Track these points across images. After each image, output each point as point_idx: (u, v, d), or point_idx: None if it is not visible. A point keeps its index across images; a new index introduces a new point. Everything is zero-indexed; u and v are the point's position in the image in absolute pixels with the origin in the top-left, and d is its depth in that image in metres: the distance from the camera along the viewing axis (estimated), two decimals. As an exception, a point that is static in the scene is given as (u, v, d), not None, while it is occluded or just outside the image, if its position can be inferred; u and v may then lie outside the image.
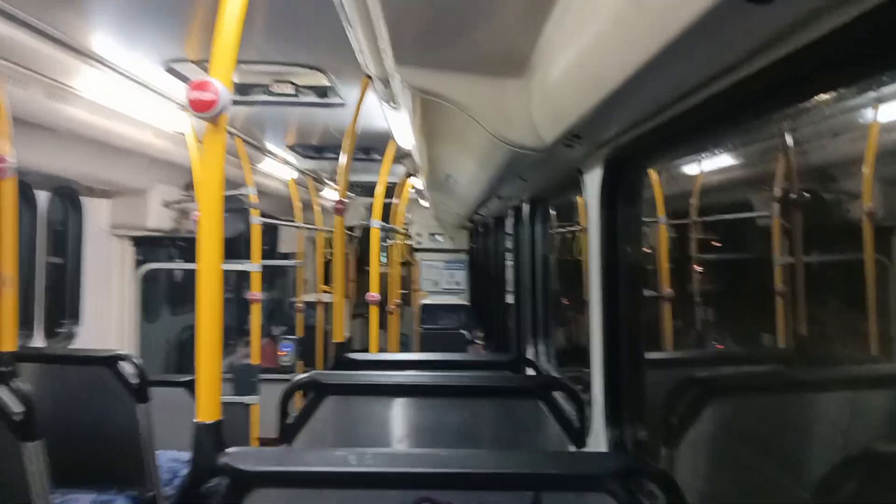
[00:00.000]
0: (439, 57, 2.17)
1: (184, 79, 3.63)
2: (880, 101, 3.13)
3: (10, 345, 2.45)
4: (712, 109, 1.48)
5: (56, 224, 4.86)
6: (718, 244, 6.24)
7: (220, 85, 1.51)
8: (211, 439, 1.43)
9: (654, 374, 2.32)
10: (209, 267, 1.51)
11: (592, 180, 2.32)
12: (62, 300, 4.85)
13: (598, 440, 2.21)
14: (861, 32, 0.97)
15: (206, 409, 1.45)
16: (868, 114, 3.26)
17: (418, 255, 10.84)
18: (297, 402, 2.46)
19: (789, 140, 3.66)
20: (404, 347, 9.15)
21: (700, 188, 5.49)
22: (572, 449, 2.30)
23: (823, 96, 1.44)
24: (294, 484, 1.33)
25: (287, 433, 2.22)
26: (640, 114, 1.75)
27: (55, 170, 4.16)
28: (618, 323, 2.17)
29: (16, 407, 2.34)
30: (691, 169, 5.53)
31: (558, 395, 2.48)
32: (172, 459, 3.78)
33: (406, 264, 10.50)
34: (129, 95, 3.77)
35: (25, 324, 4.33)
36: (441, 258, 10.92)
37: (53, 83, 3.19)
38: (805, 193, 3.71)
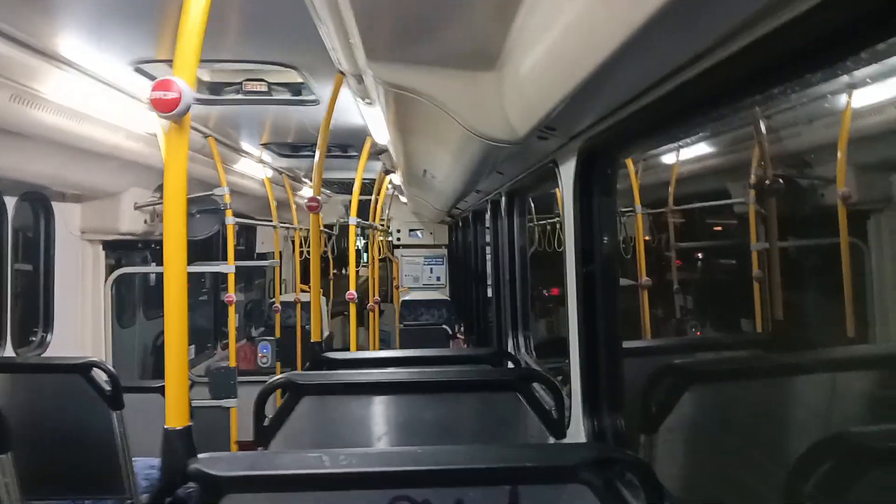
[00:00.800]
0: (411, 52, 2.16)
1: (153, 78, 3.57)
2: (853, 86, 3.17)
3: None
4: (683, 97, 1.48)
5: (25, 230, 4.77)
6: (694, 232, 6.30)
7: (183, 84, 1.48)
8: (182, 445, 1.40)
9: (633, 362, 2.33)
10: (175, 269, 1.48)
11: (567, 172, 2.32)
12: (33, 307, 4.76)
13: (577, 431, 2.21)
14: (828, 18, 0.97)
15: (176, 414, 1.42)
16: (842, 100, 3.30)
17: (398, 252, 10.82)
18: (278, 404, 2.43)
19: (763, 127, 3.69)
20: (385, 344, 9.14)
21: (677, 177, 5.53)
22: (552, 440, 2.30)
23: (795, 82, 1.44)
24: (267, 488, 1.31)
25: (263, 436, 2.19)
26: (611, 104, 1.74)
27: (24, 175, 4.08)
28: (595, 313, 2.17)
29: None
30: (668, 158, 5.57)
31: (538, 387, 2.48)
32: (150, 466, 3.73)
33: (385, 261, 10.47)
34: (99, 97, 3.71)
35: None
36: (421, 254, 10.91)
37: (19, 86, 3.12)
38: (780, 180, 3.74)
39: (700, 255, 6.53)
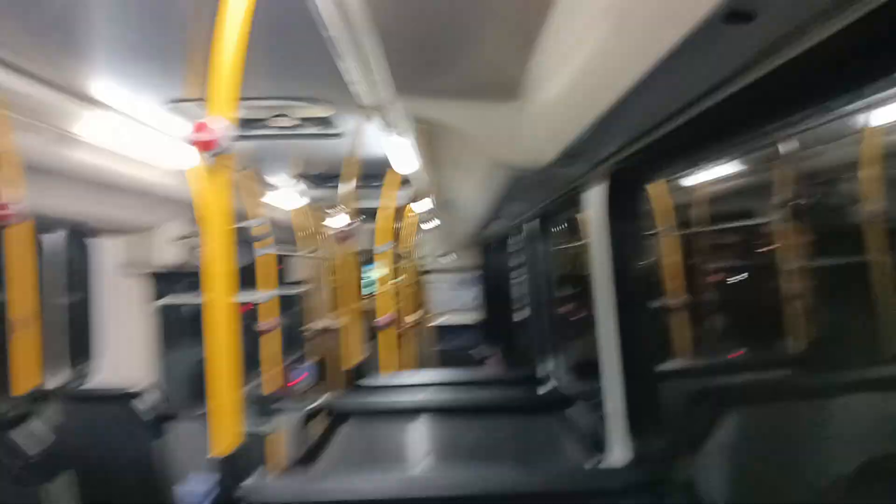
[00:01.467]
0: (434, 84, 2.21)
1: (187, 116, 3.69)
2: (884, 101, 3.15)
3: (33, 383, 2.47)
4: (706, 123, 1.50)
5: (72, 263, 4.94)
6: (724, 253, 6.23)
7: (221, 124, 1.54)
8: (229, 471, 1.44)
9: (670, 384, 2.32)
10: (221, 299, 1.54)
11: (594, 197, 2.34)
12: (81, 338, 4.90)
13: (615, 453, 2.21)
14: (845, 44, 0.99)
15: (224, 440, 1.47)
16: (862, 119, 3.29)
17: (428, 276, 10.85)
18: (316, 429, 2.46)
19: (789, 147, 3.68)
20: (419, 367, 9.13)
21: (706, 198, 5.51)
22: (591, 463, 2.29)
23: (822, 105, 1.46)
24: (315, 512, 1.35)
25: (304, 460, 2.23)
26: (636, 130, 1.77)
27: (67, 212, 4.22)
28: (629, 335, 2.18)
29: (31, 448, 2.36)
30: (695, 179, 5.56)
31: (575, 410, 2.48)
32: (193, 493, 3.77)
33: (415, 286, 10.50)
34: (134, 136, 3.83)
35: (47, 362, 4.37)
36: (450, 278, 10.92)
37: (59, 130, 3.26)
38: (807, 198, 3.72)
39: (734, 275, 6.46)
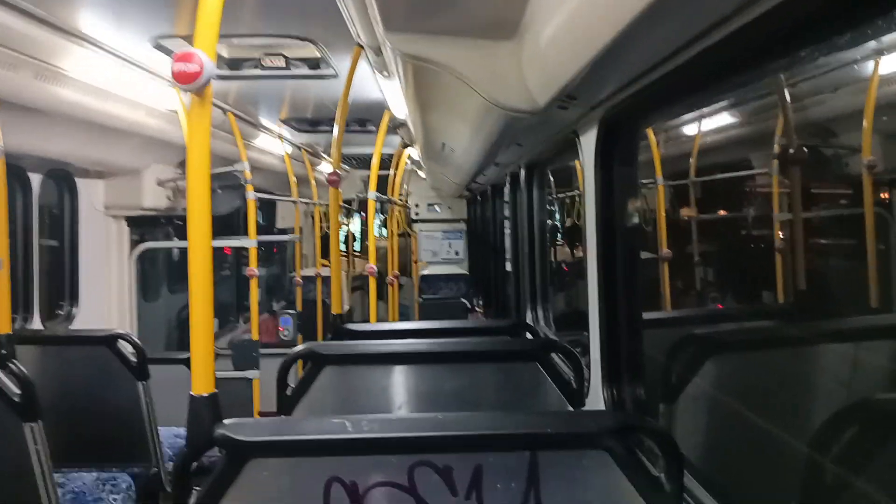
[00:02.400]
0: (429, 22, 2.14)
1: (172, 54, 3.59)
2: (880, 52, 3.09)
3: (5, 327, 2.44)
4: (706, 64, 1.46)
5: (51, 206, 4.84)
6: (716, 204, 6.23)
7: (204, 56, 1.48)
8: (207, 412, 1.43)
9: (653, 333, 2.32)
10: (199, 243, 1.50)
11: (588, 142, 2.30)
12: (60, 282, 4.85)
13: (596, 400, 2.22)
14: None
15: (202, 381, 1.45)
16: (868, 67, 3.23)
17: (416, 226, 10.83)
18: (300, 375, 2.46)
19: (787, 96, 3.63)
20: (404, 318, 9.19)
21: (699, 148, 5.46)
22: (571, 410, 2.31)
23: (820, 46, 1.41)
24: (291, 453, 1.34)
25: (286, 405, 2.23)
26: (633, 72, 1.72)
27: (48, 152, 4.13)
28: (615, 284, 2.17)
29: (14, 388, 2.35)
30: (690, 129, 5.50)
31: (557, 358, 2.48)
32: (175, 435, 3.81)
33: (404, 235, 10.49)
34: (119, 74, 3.73)
35: (24, 307, 4.34)
36: (439, 228, 10.90)
37: (41, 64, 3.15)
38: (804, 149, 3.68)
39: (722, 226, 6.47)
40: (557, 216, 8.37)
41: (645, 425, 1.37)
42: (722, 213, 6.36)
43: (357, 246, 12.69)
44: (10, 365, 2.36)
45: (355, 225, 12.93)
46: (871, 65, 3.15)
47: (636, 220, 2.27)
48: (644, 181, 4.88)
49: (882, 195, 3.37)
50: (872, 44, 2.81)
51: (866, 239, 3.23)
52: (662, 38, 1.41)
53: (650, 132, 4.48)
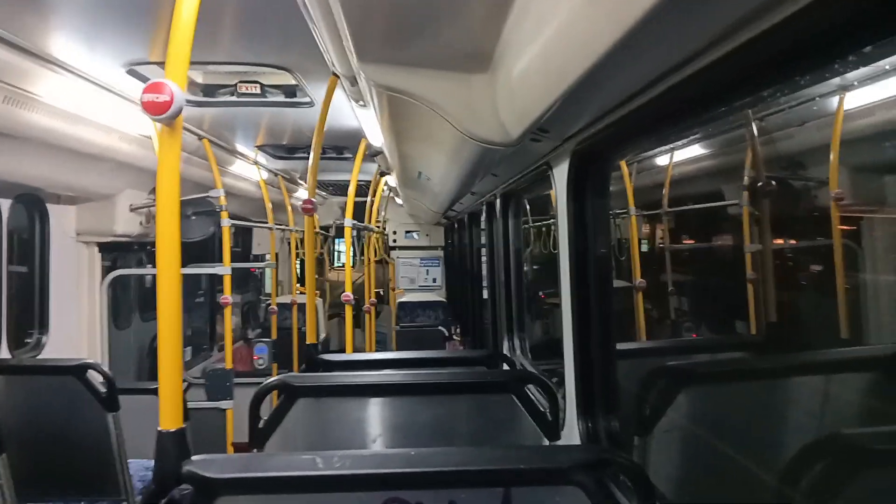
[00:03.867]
0: (403, 53, 2.16)
1: (146, 80, 3.57)
2: (845, 88, 3.18)
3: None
4: (676, 99, 1.48)
5: (20, 231, 4.76)
6: (690, 234, 6.30)
7: (174, 86, 1.48)
8: (175, 447, 1.40)
9: (628, 364, 2.33)
10: (168, 271, 1.48)
11: (561, 174, 2.32)
12: (29, 310, 4.75)
13: (571, 433, 2.21)
14: (819, 19, 0.97)
15: (169, 416, 1.42)
16: (834, 102, 3.31)
17: (394, 253, 10.81)
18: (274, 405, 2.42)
19: (755, 129, 3.70)
20: (381, 346, 9.14)
21: (671, 179, 5.54)
22: (546, 442, 2.30)
23: (787, 83, 1.44)
24: (261, 490, 1.31)
25: (258, 438, 2.19)
26: (604, 106, 1.75)
27: (18, 177, 4.07)
28: (589, 315, 2.18)
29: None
30: (662, 161, 5.59)
31: (533, 389, 2.48)
32: (145, 468, 3.72)
33: (382, 262, 10.47)
34: (92, 99, 3.70)
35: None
36: (417, 255, 10.91)
37: (12, 89, 3.12)
38: (773, 181, 3.75)
39: (694, 257, 6.55)
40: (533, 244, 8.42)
41: (617, 459, 1.37)
42: (692, 242, 6.45)
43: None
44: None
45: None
46: (836, 100, 3.24)
47: (609, 250, 2.28)
48: (618, 211, 4.94)
49: (849, 227, 3.44)
50: (837, 80, 2.89)
51: (835, 270, 3.29)
52: (632, 74, 1.44)
53: (623, 164, 4.54)
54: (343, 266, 11.13)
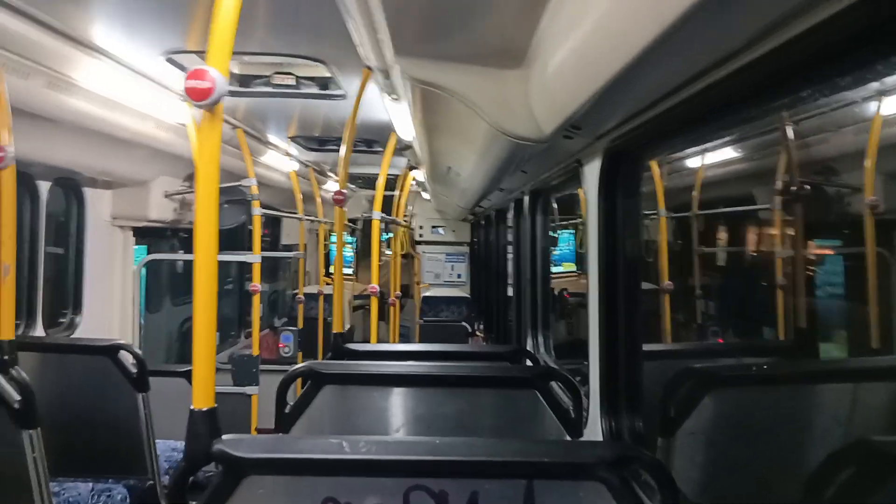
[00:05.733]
0: (438, 48, 2.17)
1: (184, 69, 3.63)
2: (883, 93, 3.13)
3: (8, 333, 2.45)
4: (710, 99, 1.48)
5: (58, 215, 4.87)
6: (720, 237, 6.23)
7: (216, 73, 1.50)
8: (206, 426, 1.43)
9: (653, 365, 2.32)
10: (205, 257, 1.51)
11: (592, 172, 2.32)
12: (64, 290, 4.86)
13: (594, 430, 2.21)
14: (859, 20, 0.96)
15: (202, 396, 1.45)
16: (871, 106, 3.26)
17: (420, 248, 10.84)
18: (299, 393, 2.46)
19: (790, 133, 3.65)
20: (405, 339, 9.17)
21: (702, 182, 5.48)
22: (569, 439, 2.30)
23: (824, 86, 1.43)
24: (287, 471, 1.34)
25: (284, 422, 2.23)
26: (638, 104, 1.74)
27: (57, 161, 4.16)
28: (616, 313, 2.17)
29: (15, 395, 2.35)
30: (693, 163, 5.53)
31: (556, 386, 2.48)
32: (172, 449, 3.79)
33: (408, 256, 10.51)
34: (130, 86, 3.77)
35: (28, 314, 4.34)
36: (443, 250, 10.93)
37: (54, 74, 3.19)
38: (806, 186, 3.70)
39: (723, 261, 6.48)
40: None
41: (641, 457, 1.37)
42: (721, 246, 6.37)
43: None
44: (12, 371, 2.37)
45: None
46: (873, 105, 3.18)
47: (638, 250, 2.28)
48: (647, 213, 4.90)
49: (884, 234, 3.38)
50: (875, 85, 2.84)
51: (868, 278, 3.24)
52: (667, 73, 1.43)
53: (654, 164, 4.51)
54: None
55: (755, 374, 2.34)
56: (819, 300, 3.97)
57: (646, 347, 2.27)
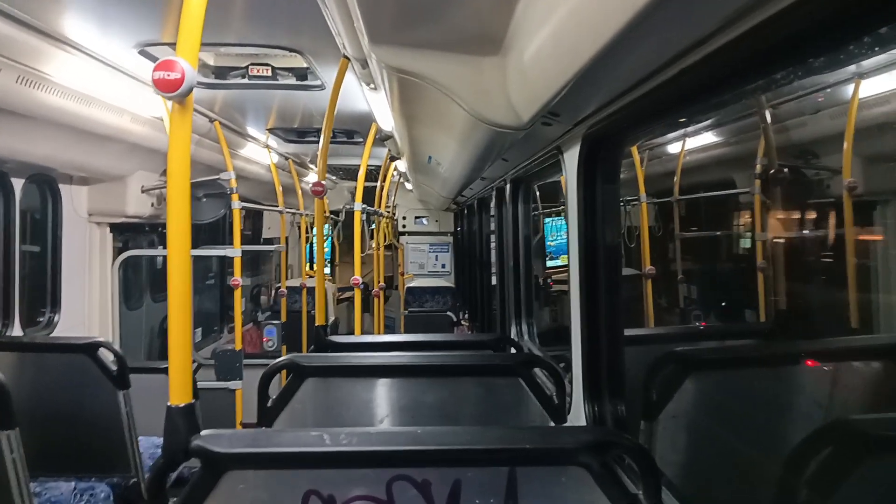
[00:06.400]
0: (414, 36, 2.15)
1: (157, 61, 3.58)
2: (860, 76, 3.15)
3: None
4: (687, 83, 1.47)
5: (33, 211, 4.80)
6: (699, 222, 6.27)
7: (185, 64, 1.48)
8: (184, 422, 1.42)
9: (635, 350, 2.33)
10: (179, 251, 1.49)
11: (571, 158, 2.31)
12: (41, 289, 4.80)
13: (577, 416, 2.22)
14: (834, 2, 0.96)
15: (179, 392, 1.44)
16: (848, 90, 3.28)
17: (403, 238, 10.82)
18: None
19: (768, 118, 3.68)
20: (390, 330, 9.16)
21: (683, 167, 5.51)
22: (553, 425, 2.31)
23: (800, 67, 1.43)
24: (268, 465, 1.33)
25: (266, 416, 2.21)
26: (615, 89, 1.74)
27: (31, 157, 4.09)
28: (597, 299, 2.18)
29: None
30: (674, 148, 5.56)
31: (540, 373, 2.48)
32: (155, 445, 3.77)
33: (391, 247, 10.48)
34: (104, 80, 3.71)
35: (5, 313, 4.29)
36: (426, 241, 10.91)
37: (25, 68, 3.13)
38: (785, 170, 3.73)
39: (704, 245, 6.52)
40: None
41: (623, 441, 1.37)
42: (702, 230, 6.41)
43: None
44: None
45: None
46: (850, 88, 3.21)
47: (618, 235, 2.28)
48: (628, 198, 4.92)
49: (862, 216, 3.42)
50: (852, 68, 2.86)
51: (846, 259, 3.27)
52: (644, 57, 1.43)
53: (634, 150, 4.52)
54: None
55: (735, 356, 2.36)
56: (798, 283, 4.01)
57: (628, 332, 2.28)
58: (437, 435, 1.39)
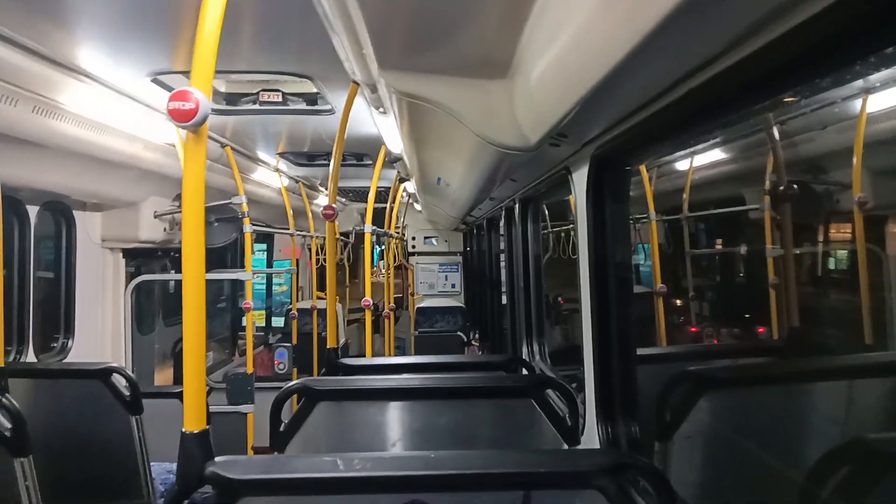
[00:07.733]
0: (423, 61, 2.17)
1: (170, 89, 3.63)
2: (868, 91, 3.15)
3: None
4: (695, 102, 1.48)
5: (47, 238, 4.85)
6: (711, 239, 6.25)
7: (200, 94, 1.50)
8: (198, 449, 1.42)
9: (648, 369, 2.32)
10: (193, 277, 1.50)
11: (580, 179, 2.32)
12: (55, 314, 4.83)
13: (591, 437, 2.21)
14: (839, 20, 0.97)
15: (193, 418, 1.44)
16: (857, 104, 3.28)
17: (413, 259, 10.84)
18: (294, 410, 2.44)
19: (777, 133, 3.67)
20: (400, 351, 9.15)
21: (691, 184, 5.51)
22: (566, 447, 2.29)
23: (807, 86, 1.44)
24: (282, 491, 1.33)
25: (279, 441, 2.21)
26: (623, 110, 1.75)
27: (46, 185, 4.15)
28: (609, 319, 2.17)
29: (6, 423, 2.33)
30: (682, 165, 5.56)
31: (552, 394, 2.47)
32: (168, 471, 3.76)
33: (401, 268, 10.49)
34: (117, 108, 3.77)
35: (19, 340, 4.32)
36: (436, 261, 10.92)
37: (40, 98, 3.19)
38: (794, 185, 3.71)
39: (715, 262, 6.49)
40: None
41: (638, 464, 1.37)
42: (713, 248, 6.39)
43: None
44: (3, 399, 2.34)
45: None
46: (858, 103, 3.21)
47: (629, 254, 2.28)
48: (637, 216, 4.92)
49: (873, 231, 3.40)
50: (860, 83, 2.86)
51: (859, 274, 3.25)
52: (651, 78, 1.44)
53: (642, 169, 4.52)
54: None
55: (750, 374, 2.34)
56: (812, 299, 3.98)
57: (640, 351, 2.27)
58: (451, 459, 1.39)
